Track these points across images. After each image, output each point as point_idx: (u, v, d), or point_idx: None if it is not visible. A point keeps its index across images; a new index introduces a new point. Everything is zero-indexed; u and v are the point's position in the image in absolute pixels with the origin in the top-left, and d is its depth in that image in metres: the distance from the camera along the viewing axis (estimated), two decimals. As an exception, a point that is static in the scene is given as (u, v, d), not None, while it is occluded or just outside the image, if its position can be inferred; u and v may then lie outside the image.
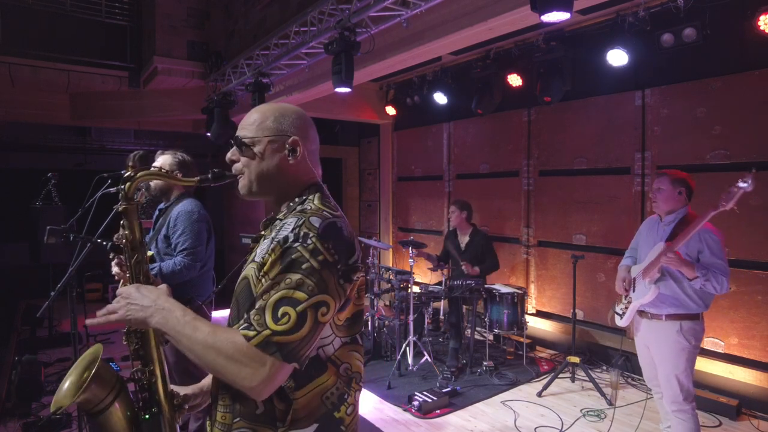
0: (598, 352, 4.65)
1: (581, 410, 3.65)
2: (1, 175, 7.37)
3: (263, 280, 1.08)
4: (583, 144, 4.80)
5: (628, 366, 4.35)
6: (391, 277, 4.86)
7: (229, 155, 1.24)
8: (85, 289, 5.44)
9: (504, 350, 4.97)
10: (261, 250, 1.16)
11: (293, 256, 1.04)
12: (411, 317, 4.39)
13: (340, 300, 1.08)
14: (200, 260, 2.73)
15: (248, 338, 1.00)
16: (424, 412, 3.62)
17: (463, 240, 4.85)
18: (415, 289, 4.84)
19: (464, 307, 4.73)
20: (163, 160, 2.86)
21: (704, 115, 3.90)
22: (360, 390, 1.20)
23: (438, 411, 3.66)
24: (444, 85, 5.83)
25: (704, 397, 3.64)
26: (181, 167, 2.86)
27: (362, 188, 8.18)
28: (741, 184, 2.31)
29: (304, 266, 1.03)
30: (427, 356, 4.36)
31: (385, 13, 3.45)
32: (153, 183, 2.83)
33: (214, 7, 6.34)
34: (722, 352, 3.81)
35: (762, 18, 3.39)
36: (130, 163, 4.30)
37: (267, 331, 1.00)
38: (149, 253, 2.79)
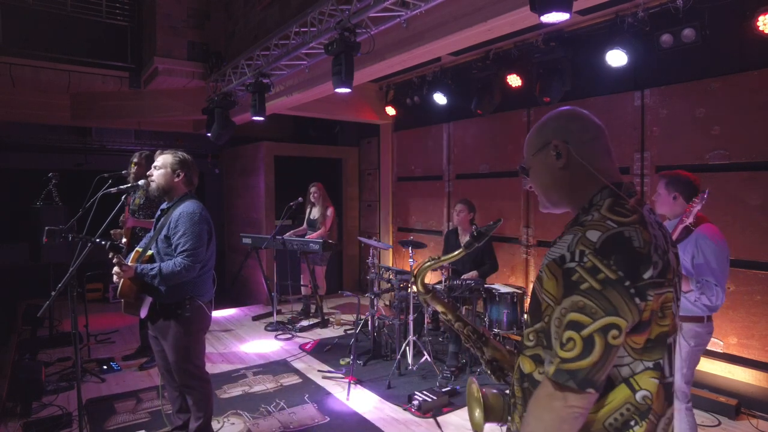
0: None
1: (581, 410, 3.66)
2: (1, 175, 7.38)
3: (545, 296, 1.07)
4: (583, 144, 4.80)
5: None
6: (391, 277, 4.87)
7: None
8: (85, 288, 5.44)
9: (504, 350, 4.97)
10: (553, 250, 1.09)
11: (572, 278, 0.98)
12: (411, 317, 4.40)
13: (633, 320, 0.97)
14: (200, 261, 2.74)
15: (548, 374, 1.00)
16: (424, 411, 3.63)
17: (464, 240, 4.86)
18: (415, 288, 4.84)
19: (464, 307, 4.73)
20: (163, 159, 2.86)
21: (703, 115, 3.91)
22: (651, 423, 1.03)
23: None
24: (444, 86, 5.84)
25: (703, 396, 3.65)
26: (182, 166, 2.86)
27: (362, 188, 8.19)
28: (696, 201, 2.32)
29: (583, 287, 0.97)
30: (426, 356, 4.36)
31: (385, 14, 3.46)
32: (154, 184, 2.84)
33: (215, 8, 6.35)
34: (721, 351, 3.82)
35: (761, 18, 3.40)
36: (135, 160, 4.33)
37: (557, 359, 0.98)
38: (149, 253, 2.80)
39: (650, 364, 1.02)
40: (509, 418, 1.23)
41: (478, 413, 1.27)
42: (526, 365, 1.13)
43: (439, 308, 1.42)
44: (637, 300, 0.97)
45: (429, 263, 1.43)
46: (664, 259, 1.02)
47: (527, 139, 1.24)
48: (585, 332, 0.95)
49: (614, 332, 0.95)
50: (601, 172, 1.13)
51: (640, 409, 1.02)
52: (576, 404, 0.97)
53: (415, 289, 1.43)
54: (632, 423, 1.02)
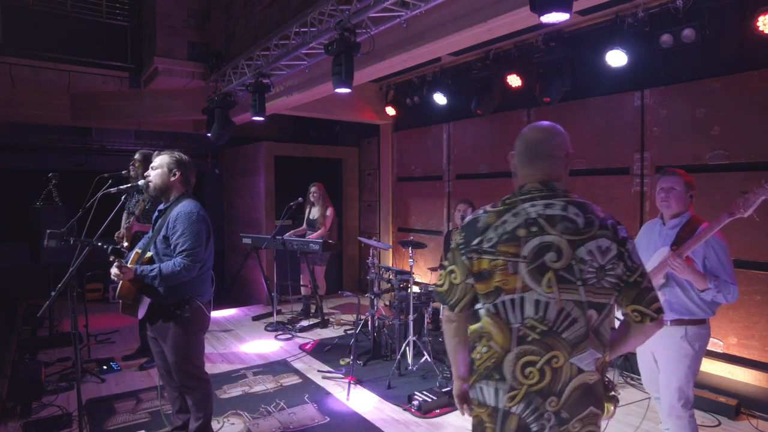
0: (597, 352, 4.65)
1: (580, 410, 3.65)
2: (1, 175, 7.38)
3: None
4: (583, 144, 4.80)
5: (628, 366, 4.35)
6: (391, 277, 4.87)
7: None
8: (85, 289, 5.44)
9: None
10: None
11: (450, 237, 1.56)
12: (411, 317, 4.39)
13: (465, 269, 1.50)
14: (199, 261, 2.74)
15: None
16: (424, 411, 3.63)
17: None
18: (415, 289, 4.85)
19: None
20: (160, 160, 2.87)
21: (703, 115, 3.91)
22: (491, 348, 1.48)
23: (438, 411, 3.67)
24: (444, 86, 5.84)
25: (703, 396, 3.65)
26: (178, 166, 2.86)
27: (362, 188, 8.19)
28: (760, 191, 2.19)
29: (451, 246, 1.58)
30: (426, 356, 4.36)
31: (385, 14, 3.46)
32: (152, 184, 2.84)
33: (215, 8, 6.35)
34: (721, 351, 3.82)
35: (761, 18, 3.40)
36: (136, 157, 4.33)
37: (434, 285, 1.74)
38: (148, 254, 2.79)
39: (488, 306, 1.47)
40: None
41: None
42: None
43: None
44: (464, 258, 1.50)
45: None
46: (503, 238, 1.44)
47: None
48: (443, 272, 1.58)
49: (454, 275, 1.54)
50: (520, 177, 1.59)
51: (479, 334, 1.50)
52: (444, 314, 1.64)
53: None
54: (476, 344, 1.52)
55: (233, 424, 3.52)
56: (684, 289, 2.45)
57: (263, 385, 4.23)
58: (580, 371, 1.40)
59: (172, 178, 2.84)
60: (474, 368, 1.51)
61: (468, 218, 1.57)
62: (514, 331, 1.42)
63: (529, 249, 1.41)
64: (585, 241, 1.40)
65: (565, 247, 1.40)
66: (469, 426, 3.48)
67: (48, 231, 2.73)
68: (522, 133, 1.62)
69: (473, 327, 1.53)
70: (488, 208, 1.54)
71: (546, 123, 1.61)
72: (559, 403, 1.39)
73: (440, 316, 1.78)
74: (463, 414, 1.65)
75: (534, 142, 1.57)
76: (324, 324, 6.04)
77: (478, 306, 1.51)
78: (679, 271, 2.35)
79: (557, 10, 2.56)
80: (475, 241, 1.47)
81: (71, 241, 2.72)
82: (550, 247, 1.40)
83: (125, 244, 4.18)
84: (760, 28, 3.41)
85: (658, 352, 2.57)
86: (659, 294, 2.44)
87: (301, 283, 6.51)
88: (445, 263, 1.57)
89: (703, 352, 2.51)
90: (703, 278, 2.35)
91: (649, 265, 2.56)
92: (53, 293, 2.58)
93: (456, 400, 1.68)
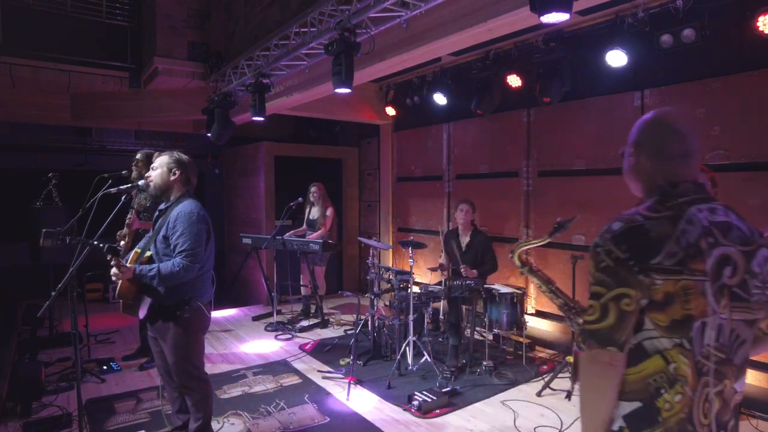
0: (597, 352, 4.65)
1: (580, 410, 3.66)
2: (1, 175, 7.38)
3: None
4: (583, 144, 4.81)
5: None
6: (391, 277, 4.87)
7: None
8: (85, 289, 5.44)
9: (503, 350, 4.98)
10: None
11: (596, 258, 1.23)
12: (411, 317, 4.39)
13: (642, 292, 1.17)
14: (199, 261, 2.73)
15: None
16: (424, 411, 3.63)
17: (464, 240, 4.86)
18: (415, 289, 4.85)
19: (464, 307, 4.74)
20: (160, 160, 2.88)
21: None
22: (685, 395, 1.19)
23: (438, 411, 3.67)
24: (444, 86, 5.84)
25: (703, 397, 3.64)
26: (178, 165, 2.87)
27: (362, 188, 8.19)
28: None
29: (602, 265, 1.21)
30: (426, 356, 4.36)
31: (385, 14, 3.46)
32: (152, 183, 2.84)
33: (215, 8, 6.35)
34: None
35: (761, 19, 3.40)
36: (138, 156, 4.34)
37: (582, 321, 1.26)
38: (147, 254, 2.79)
39: (678, 341, 1.18)
40: None
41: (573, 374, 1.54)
42: None
43: (536, 280, 1.68)
44: (641, 277, 1.16)
45: (521, 244, 1.73)
46: (689, 251, 1.17)
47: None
48: (602, 300, 1.19)
49: (626, 300, 1.17)
50: (663, 175, 1.29)
51: (670, 379, 1.19)
52: (603, 359, 1.19)
53: (515, 261, 1.71)
54: (662, 391, 1.19)
55: (233, 424, 3.52)
56: None
57: (263, 385, 4.23)
58: (735, 392, 1.27)
59: (172, 178, 2.84)
60: (659, 420, 1.19)
61: (620, 226, 1.21)
62: (697, 365, 1.20)
63: (711, 264, 1.19)
64: (755, 251, 1.24)
65: (740, 260, 1.22)
66: (469, 426, 3.47)
67: (43, 230, 2.72)
68: (665, 119, 1.34)
69: (649, 369, 1.20)
70: (645, 212, 1.23)
71: (682, 110, 1.43)
72: None
73: (585, 361, 1.25)
74: None
75: (687, 134, 1.30)
76: (324, 324, 6.04)
77: (651, 341, 1.20)
78: None
79: (557, 11, 2.56)
80: (656, 258, 1.16)
81: (67, 240, 2.71)
82: (727, 261, 1.21)
83: (122, 243, 4.18)
84: (760, 28, 3.41)
85: None
86: None
87: (301, 283, 6.51)
88: (597, 288, 1.21)
89: None
90: None
91: None
92: (53, 293, 2.58)
93: None
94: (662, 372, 1.19)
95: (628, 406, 1.22)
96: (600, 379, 1.21)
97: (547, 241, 1.69)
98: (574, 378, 1.49)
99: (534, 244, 1.74)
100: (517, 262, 1.70)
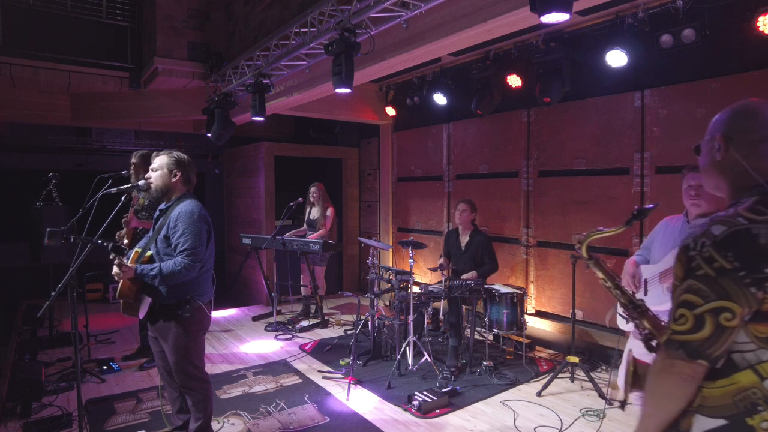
0: (597, 352, 4.66)
1: (580, 410, 3.66)
2: (1, 175, 7.39)
3: (674, 279, 1.17)
4: (583, 145, 4.81)
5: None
6: (391, 277, 4.87)
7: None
8: (85, 289, 5.44)
9: (503, 350, 4.98)
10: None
11: (692, 264, 1.10)
12: (411, 317, 4.39)
13: (749, 307, 1.06)
14: (200, 261, 2.74)
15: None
16: (424, 411, 3.63)
17: (464, 240, 4.86)
18: (415, 289, 4.85)
19: (464, 307, 4.74)
20: (159, 161, 2.87)
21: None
22: None
23: (438, 411, 3.67)
24: (444, 86, 5.84)
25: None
26: (178, 166, 2.86)
27: (362, 188, 8.19)
28: None
29: (699, 273, 1.09)
30: (426, 356, 4.36)
31: (385, 14, 3.46)
32: (153, 185, 2.84)
33: (215, 8, 6.36)
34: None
35: (761, 19, 3.40)
36: (133, 160, 4.34)
37: (669, 331, 1.12)
38: (148, 253, 2.79)
39: None
40: None
41: (624, 377, 1.42)
42: None
43: (600, 275, 1.61)
44: (753, 289, 1.05)
45: (594, 233, 1.60)
46: None
47: (710, 122, 1.29)
48: (697, 311, 1.08)
49: (727, 314, 1.06)
50: (759, 171, 1.17)
51: (766, 395, 1.09)
52: (684, 371, 1.10)
53: (582, 252, 1.60)
54: (759, 408, 1.09)
55: (233, 424, 3.52)
56: None
57: (263, 385, 4.23)
58: None
59: (173, 179, 2.84)
60: None
61: (722, 231, 1.09)
62: None
63: None
64: None
65: None
66: (469, 426, 3.47)
67: (48, 229, 2.73)
68: (748, 111, 1.25)
69: (739, 384, 1.11)
70: (747, 214, 1.10)
71: None
72: None
73: (661, 369, 1.16)
74: None
75: None
76: (324, 324, 6.04)
77: (743, 354, 1.11)
78: None
79: (557, 11, 2.57)
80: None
81: (71, 240, 2.72)
82: None
83: (125, 241, 4.18)
84: (760, 28, 3.41)
85: None
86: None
87: (301, 283, 6.51)
88: (691, 297, 1.10)
89: None
90: None
91: (662, 263, 2.50)
92: (53, 293, 2.58)
93: None
94: (756, 387, 1.09)
95: (708, 423, 1.13)
96: (676, 389, 1.13)
97: (623, 229, 1.55)
98: (632, 386, 1.36)
99: (607, 233, 1.59)
100: (585, 254, 1.60)
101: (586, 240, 1.59)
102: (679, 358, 1.10)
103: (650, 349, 1.47)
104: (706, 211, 2.44)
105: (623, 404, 3.73)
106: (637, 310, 1.50)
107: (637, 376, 1.36)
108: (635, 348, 2.47)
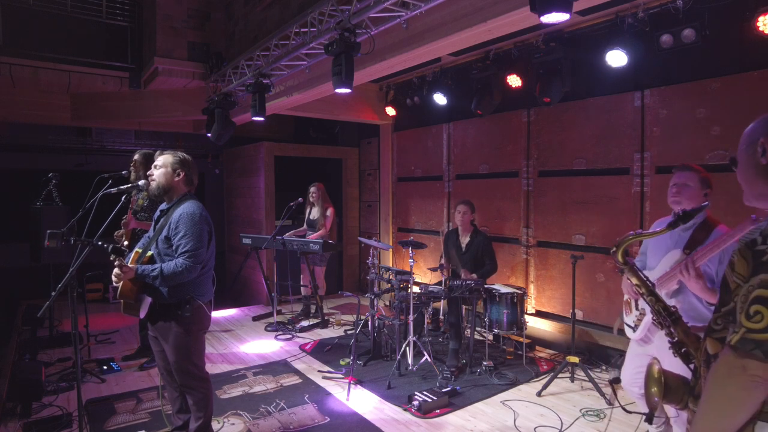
0: (597, 352, 4.66)
1: (581, 410, 3.66)
2: (1, 175, 7.39)
3: (735, 278, 1.12)
4: (583, 145, 4.81)
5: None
6: (391, 277, 4.87)
7: None
8: (85, 289, 5.44)
9: (503, 350, 4.98)
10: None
11: (762, 259, 1.05)
12: (411, 317, 4.39)
13: None
14: (201, 262, 2.74)
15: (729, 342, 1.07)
16: (424, 411, 3.63)
17: (464, 240, 4.86)
18: (415, 289, 4.85)
19: (464, 307, 4.74)
20: (163, 159, 2.87)
21: (703, 115, 3.91)
22: None
23: (438, 411, 3.67)
24: (444, 86, 5.84)
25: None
26: (182, 166, 2.87)
27: (362, 188, 8.19)
28: None
29: None
30: (426, 356, 4.36)
31: (385, 14, 3.46)
32: (155, 183, 2.84)
33: (215, 8, 6.36)
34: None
35: (761, 19, 3.40)
36: (136, 157, 4.34)
37: (742, 329, 1.04)
38: (149, 254, 2.80)
39: None
40: (689, 400, 1.31)
41: (655, 391, 1.36)
42: (711, 346, 1.20)
43: (634, 281, 1.58)
44: None
45: (631, 237, 1.55)
46: None
47: (744, 133, 1.26)
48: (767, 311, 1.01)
49: None
50: None
51: None
52: (757, 373, 1.02)
53: (617, 257, 1.56)
54: None
55: (233, 424, 3.52)
56: (699, 297, 2.31)
57: (263, 385, 4.23)
58: None
59: (176, 179, 2.84)
60: None
61: None
62: None
63: None
64: None
65: None
66: (469, 426, 3.47)
67: (48, 231, 2.73)
68: None
69: None
70: None
71: None
72: None
73: (730, 369, 1.07)
74: None
75: None
76: (324, 324, 6.04)
77: None
78: (690, 286, 2.19)
79: (557, 11, 2.57)
80: None
81: (71, 241, 2.72)
82: None
83: (125, 242, 4.19)
84: (760, 28, 3.41)
85: (666, 360, 2.49)
86: (672, 301, 2.32)
87: (301, 283, 6.51)
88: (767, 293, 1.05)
89: None
90: (713, 294, 2.18)
91: (659, 269, 2.47)
92: (53, 293, 2.58)
93: None
94: None
95: None
96: (745, 394, 1.05)
97: (667, 232, 1.51)
98: (664, 398, 1.32)
99: (647, 235, 1.54)
100: (620, 259, 1.55)
101: (622, 244, 1.54)
102: (755, 359, 1.01)
103: (684, 358, 1.43)
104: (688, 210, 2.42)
105: (650, 417, 3.70)
106: (671, 318, 1.47)
107: (669, 388, 1.31)
108: (663, 359, 2.39)
